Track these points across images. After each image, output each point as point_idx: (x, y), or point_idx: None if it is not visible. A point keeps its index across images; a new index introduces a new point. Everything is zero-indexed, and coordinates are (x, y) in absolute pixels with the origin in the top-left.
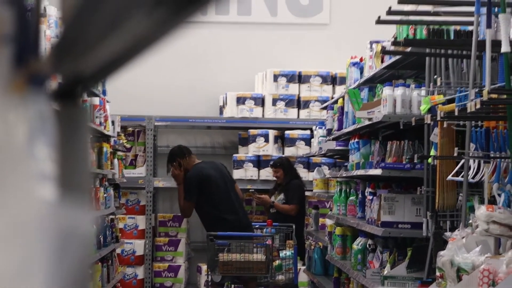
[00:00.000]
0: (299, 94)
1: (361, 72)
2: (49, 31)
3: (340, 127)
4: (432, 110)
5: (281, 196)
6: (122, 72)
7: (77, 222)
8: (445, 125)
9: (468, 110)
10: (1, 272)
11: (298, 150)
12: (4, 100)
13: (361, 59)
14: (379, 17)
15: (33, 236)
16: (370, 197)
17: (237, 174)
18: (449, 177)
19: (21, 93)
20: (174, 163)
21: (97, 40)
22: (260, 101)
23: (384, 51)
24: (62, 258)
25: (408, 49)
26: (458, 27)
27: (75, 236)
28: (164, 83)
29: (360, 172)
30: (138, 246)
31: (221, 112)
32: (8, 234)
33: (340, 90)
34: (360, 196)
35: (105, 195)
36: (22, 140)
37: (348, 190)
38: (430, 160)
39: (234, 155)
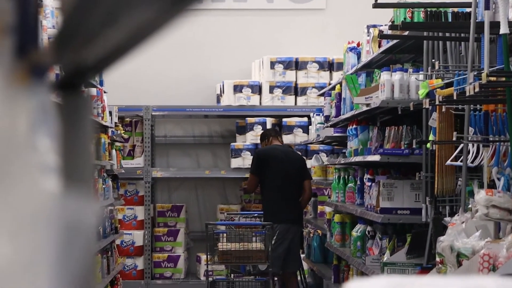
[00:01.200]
0: (296, 81)
1: (358, 58)
2: (46, 22)
3: (337, 114)
4: (430, 95)
5: None
6: (122, 61)
7: (81, 214)
8: (443, 110)
9: (467, 94)
10: (8, 264)
11: (296, 137)
12: (6, 91)
13: (358, 44)
14: (376, 0)
15: (38, 228)
16: (369, 184)
17: (235, 163)
18: (448, 162)
19: (23, 84)
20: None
21: (98, 30)
22: (257, 88)
23: (381, 35)
24: (67, 249)
25: (406, 33)
26: (456, 9)
27: (79, 227)
28: (161, 73)
29: (359, 158)
30: (137, 236)
31: (218, 101)
32: (14, 226)
33: (337, 76)
34: (358, 182)
35: (103, 186)
36: (24, 131)
37: (346, 177)
38: (428, 145)
39: (231, 143)
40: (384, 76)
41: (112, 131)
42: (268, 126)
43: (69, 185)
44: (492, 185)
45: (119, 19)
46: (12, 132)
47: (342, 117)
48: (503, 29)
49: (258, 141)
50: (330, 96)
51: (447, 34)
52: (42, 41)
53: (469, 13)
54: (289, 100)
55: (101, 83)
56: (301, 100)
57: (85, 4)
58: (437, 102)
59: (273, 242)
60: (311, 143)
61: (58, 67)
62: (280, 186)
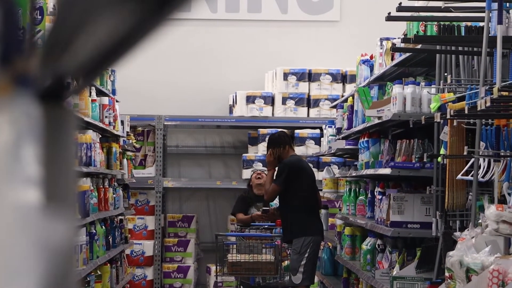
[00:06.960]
0: (309, 93)
1: (371, 70)
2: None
3: (349, 126)
4: (442, 108)
5: None
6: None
7: (59, 232)
8: (455, 124)
9: (478, 108)
10: None
11: (308, 149)
12: None
13: (371, 57)
14: (389, 13)
15: (13, 243)
16: (380, 197)
17: (246, 174)
18: (459, 176)
19: (6, 94)
20: (269, 149)
21: (75, 38)
22: (270, 100)
23: (394, 48)
24: (42, 268)
25: (419, 46)
26: (469, 23)
27: (56, 246)
28: (174, 83)
29: (370, 171)
30: (147, 246)
31: (230, 111)
32: None
33: (350, 88)
34: (369, 195)
35: (114, 195)
36: (7, 143)
37: (357, 189)
38: (439, 159)
39: (243, 154)
40: (396, 89)
41: (123, 140)
42: None
43: (49, 199)
44: (502, 200)
45: (97, 25)
46: None
47: (354, 129)
48: None
49: None
50: (343, 108)
51: (460, 48)
52: (34, 49)
53: (482, 28)
54: (302, 111)
55: (114, 92)
56: (313, 112)
57: (62, 12)
58: (448, 116)
59: (306, 254)
60: (323, 155)
61: (43, 76)
62: (309, 198)
